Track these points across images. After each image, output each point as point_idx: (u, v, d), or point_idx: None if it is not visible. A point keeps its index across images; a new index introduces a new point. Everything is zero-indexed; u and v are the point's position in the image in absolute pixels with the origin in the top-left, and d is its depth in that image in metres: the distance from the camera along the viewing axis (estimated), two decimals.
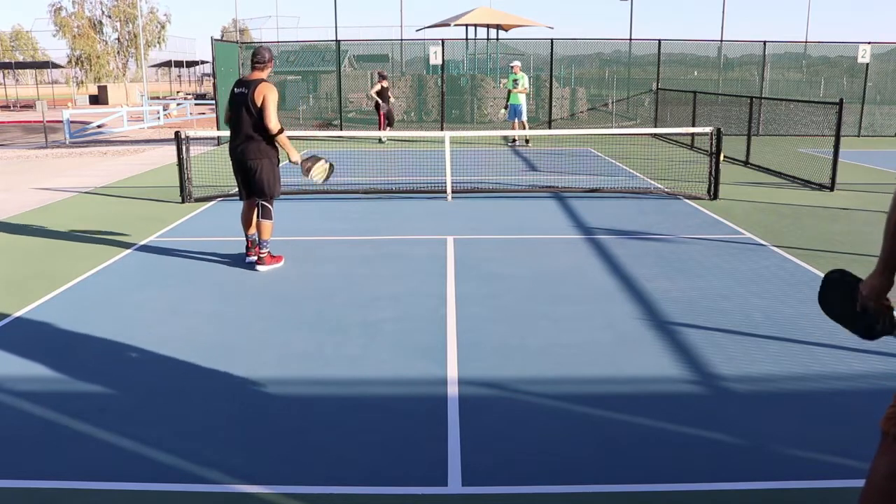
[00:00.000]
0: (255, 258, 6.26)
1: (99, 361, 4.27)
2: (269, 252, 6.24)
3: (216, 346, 4.49)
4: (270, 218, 6.21)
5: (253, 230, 6.41)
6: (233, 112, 6.12)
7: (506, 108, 16.66)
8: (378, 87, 17.01)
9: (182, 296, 5.54)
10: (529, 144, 16.43)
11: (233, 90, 6.19)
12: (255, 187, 6.18)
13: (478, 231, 7.71)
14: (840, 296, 2.28)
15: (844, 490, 2.93)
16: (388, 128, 17.16)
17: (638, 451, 3.25)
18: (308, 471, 3.10)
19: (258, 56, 6.13)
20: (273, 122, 5.98)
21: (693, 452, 3.24)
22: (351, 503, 2.87)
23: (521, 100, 16.26)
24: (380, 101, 17.00)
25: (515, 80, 16.21)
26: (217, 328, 4.83)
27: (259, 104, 5.94)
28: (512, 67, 16.47)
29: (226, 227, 7.89)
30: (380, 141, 17.31)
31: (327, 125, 20.24)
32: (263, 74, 6.13)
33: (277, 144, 6.18)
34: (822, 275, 6.23)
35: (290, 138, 6.31)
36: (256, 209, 6.24)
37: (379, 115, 17.23)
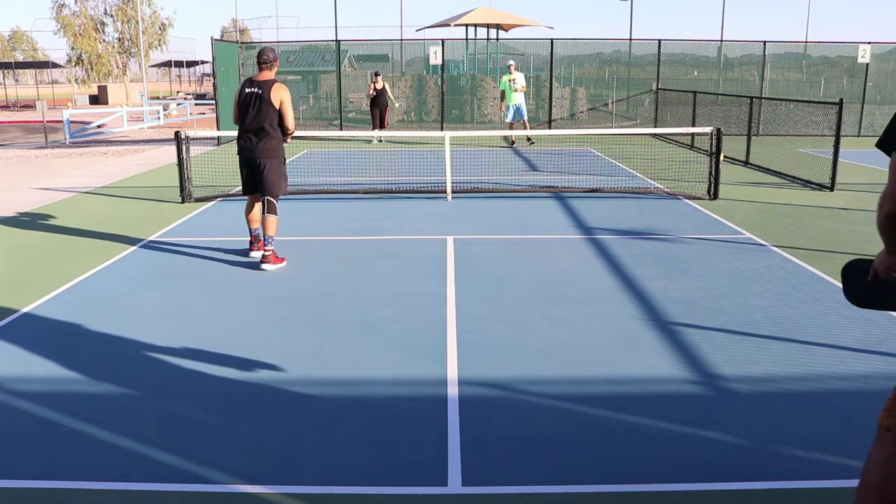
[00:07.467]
0: (261, 254, 6.28)
1: (99, 361, 4.27)
2: (273, 251, 6.25)
3: (216, 346, 4.49)
4: (276, 213, 6.25)
5: (257, 224, 6.48)
6: (243, 111, 6.16)
7: (504, 108, 16.66)
8: (371, 89, 17.19)
9: (182, 295, 5.54)
10: (529, 144, 16.44)
11: (242, 89, 6.25)
12: (262, 185, 6.24)
13: (478, 231, 7.71)
14: (860, 279, 2.29)
15: (844, 490, 2.93)
16: (382, 128, 17.22)
17: (638, 451, 3.24)
18: (308, 471, 3.10)
19: (264, 56, 6.20)
20: (293, 123, 6.27)
21: (693, 452, 3.24)
22: (351, 503, 2.88)
23: (521, 99, 16.30)
24: (380, 101, 17.11)
25: (513, 80, 16.23)
26: (217, 328, 4.83)
27: (277, 105, 6.10)
28: (508, 67, 16.49)
29: (226, 226, 7.89)
30: (379, 141, 17.35)
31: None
32: (272, 74, 6.25)
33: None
34: (823, 275, 6.19)
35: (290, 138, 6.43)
36: (262, 204, 6.29)
37: (373, 116, 17.35)
